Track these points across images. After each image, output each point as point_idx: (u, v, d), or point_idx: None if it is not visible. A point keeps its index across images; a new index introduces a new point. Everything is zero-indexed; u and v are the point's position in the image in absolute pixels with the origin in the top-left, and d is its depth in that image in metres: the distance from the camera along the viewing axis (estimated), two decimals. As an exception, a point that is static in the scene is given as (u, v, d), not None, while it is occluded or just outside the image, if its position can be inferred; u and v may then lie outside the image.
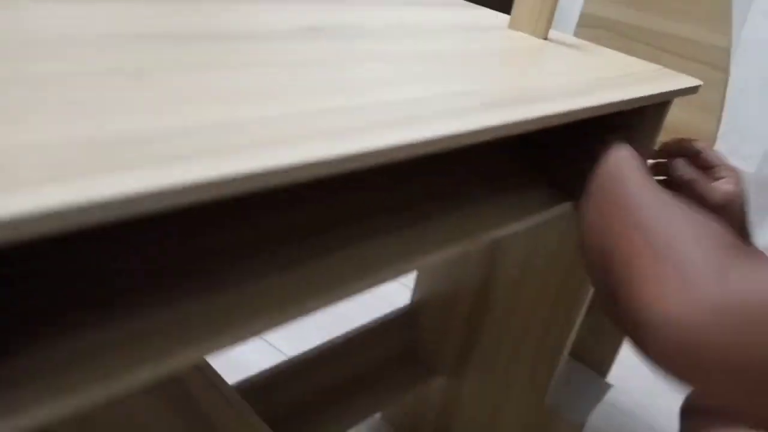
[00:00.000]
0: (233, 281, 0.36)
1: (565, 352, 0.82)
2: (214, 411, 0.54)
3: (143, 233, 0.38)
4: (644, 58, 0.70)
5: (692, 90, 0.64)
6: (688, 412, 0.73)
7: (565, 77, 0.57)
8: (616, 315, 0.41)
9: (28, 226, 0.21)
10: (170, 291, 0.34)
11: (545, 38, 0.68)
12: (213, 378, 0.57)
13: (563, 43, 0.69)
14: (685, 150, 0.63)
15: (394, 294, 1.39)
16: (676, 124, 0.90)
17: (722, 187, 0.59)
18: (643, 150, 0.62)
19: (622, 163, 0.48)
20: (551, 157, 0.59)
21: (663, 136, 0.66)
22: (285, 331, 1.23)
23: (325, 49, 0.46)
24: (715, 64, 0.82)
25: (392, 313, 0.94)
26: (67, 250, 0.35)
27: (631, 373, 1.30)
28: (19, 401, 0.26)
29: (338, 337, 0.85)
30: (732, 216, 0.58)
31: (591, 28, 0.95)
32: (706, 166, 0.62)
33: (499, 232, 0.48)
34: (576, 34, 0.99)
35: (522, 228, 0.50)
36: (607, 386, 1.07)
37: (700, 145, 0.63)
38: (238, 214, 0.42)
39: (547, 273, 0.79)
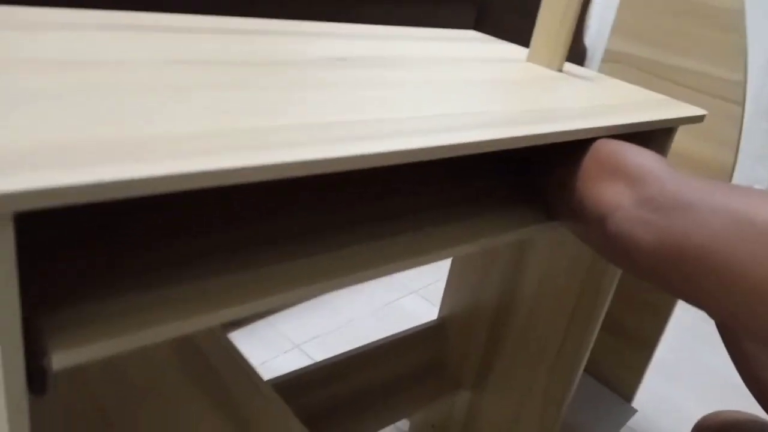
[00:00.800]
0: (263, 262, 0.43)
1: (580, 368, 0.86)
2: (217, 360, 0.61)
3: (200, 222, 0.46)
4: (661, 92, 0.75)
5: (697, 119, 0.69)
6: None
7: (574, 103, 0.63)
8: (582, 225, 0.54)
9: (135, 188, 0.28)
10: (214, 266, 0.41)
11: (560, 70, 0.75)
12: (220, 335, 0.64)
13: (576, 75, 0.75)
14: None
15: (421, 311, 1.44)
16: (693, 157, 0.94)
17: None
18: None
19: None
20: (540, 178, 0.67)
21: (686, 170, 0.70)
22: (319, 342, 1.29)
23: (351, 75, 0.54)
24: (729, 97, 0.87)
25: (420, 326, 0.99)
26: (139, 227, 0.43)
27: (655, 399, 1.31)
28: (77, 339, 0.33)
29: (367, 345, 0.91)
30: None
31: (613, 63, 1.01)
32: None
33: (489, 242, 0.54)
34: (600, 69, 1.04)
35: (508, 240, 0.57)
36: (632, 411, 1.09)
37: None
38: (273, 211, 0.50)
39: (563, 291, 0.83)
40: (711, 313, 0.44)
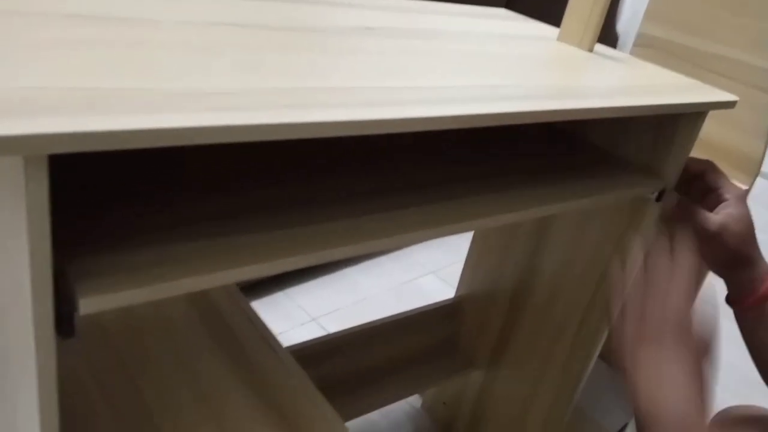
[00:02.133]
0: (294, 223, 0.44)
1: (595, 353, 0.85)
2: (235, 323, 0.62)
3: (225, 182, 0.47)
4: (692, 77, 0.74)
5: (728, 105, 0.68)
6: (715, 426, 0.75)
7: (602, 82, 0.62)
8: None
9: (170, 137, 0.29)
10: (237, 225, 0.42)
11: (590, 50, 0.74)
12: (241, 302, 0.65)
13: (606, 56, 0.74)
14: (689, 171, 0.67)
15: (438, 291, 1.45)
16: (721, 146, 0.92)
17: (718, 216, 0.62)
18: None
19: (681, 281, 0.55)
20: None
21: (715, 160, 0.69)
22: (335, 316, 1.30)
23: (378, 44, 0.54)
24: (761, 85, 0.85)
25: (435, 304, 1.00)
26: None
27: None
28: (103, 287, 0.34)
29: (382, 320, 0.92)
30: (730, 239, 0.61)
31: (645, 47, 0.99)
32: (708, 188, 0.66)
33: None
34: (632, 53, 1.03)
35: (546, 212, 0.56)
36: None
37: (705, 165, 0.67)
38: (302, 176, 0.50)
39: (583, 275, 0.83)
40: None
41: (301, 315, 1.30)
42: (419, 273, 1.55)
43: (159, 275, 0.36)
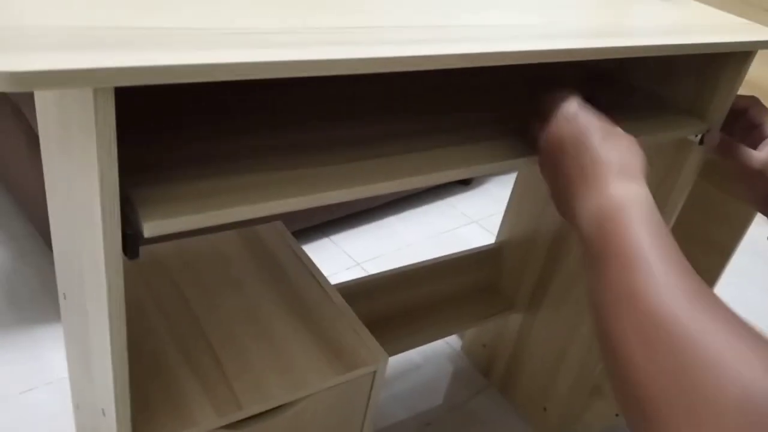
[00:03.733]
0: (321, 162, 0.46)
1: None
2: (285, 260, 0.66)
3: (274, 122, 0.49)
4: (749, 17, 0.72)
5: (778, 44, 0.66)
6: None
7: (647, 23, 0.62)
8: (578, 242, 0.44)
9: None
10: (284, 162, 0.45)
11: (638, -9, 0.73)
12: (290, 240, 0.68)
13: (654, -4, 0.73)
14: (733, 108, 0.66)
15: (480, 240, 1.46)
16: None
17: (761, 153, 0.61)
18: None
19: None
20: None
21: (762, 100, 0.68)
22: (379, 261, 1.34)
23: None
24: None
25: (476, 249, 1.02)
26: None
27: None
28: (165, 212, 0.37)
29: (425, 262, 0.95)
30: None
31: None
32: (752, 125, 0.65)
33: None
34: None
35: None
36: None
37: (749, 101, 0.65)
38: (333, 119, 0.53)
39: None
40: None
41: (346, 260, 1.34)
42: (461, 222, 1.57)
43: (215, 204, 0.39)
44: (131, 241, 0.37)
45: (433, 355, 1.15)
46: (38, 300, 1.08)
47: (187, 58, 0.32)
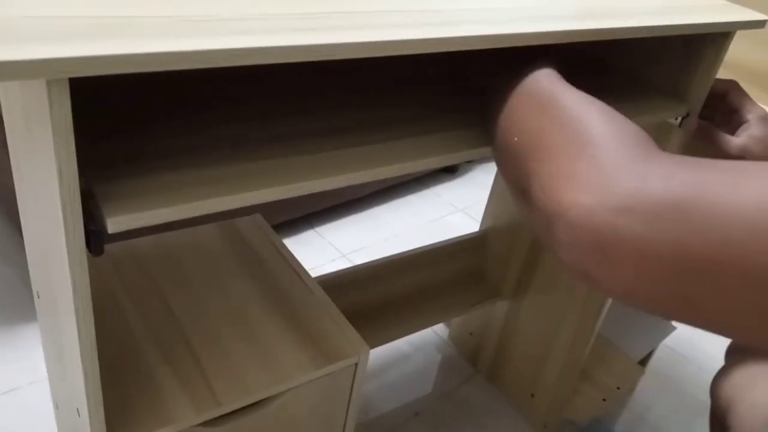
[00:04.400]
0: (307, 150, 0.45)
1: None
2: (264, 253, 0.65)
3: (241, 113, 0.48)
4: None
5: (757, 24, 0.66)
6: (730, 351, 0.76)
7: (626, 4, 0.61)
8: (530, 214, 0.40)
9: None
10: (250, 152, 0.44)
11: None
12: (269, 233, 0.67)
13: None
14: (712, 91, 0.65)
15: (467, 228, 1.46)
16: (752, 67, 0.89)
17: (739, 138, 0.61)
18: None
19: (543, 75, 0.45)
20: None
21: (745, 82, 0.68)
22: (365, 252, 1.33)
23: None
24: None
25: (461, 237, 1.01)
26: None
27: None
28: (129, 207, 0.36)
29: (409, 251, 0.94)
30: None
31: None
32: (731, 109, 0.64)
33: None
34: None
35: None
36: (670, 328, 1.10)
37: (728, 85, 0.65)
38: (307, 109, 0.52)
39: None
40: (714, 328, 0.34)
41: (332, 251, 1.33)
42: (447, 211, 1.56)
43: (183, 197, 0.38)
44: (95, 237, 0.36)
45: (421, 344, 1.15)
46: (20, 299, 1.07)
47: (143, 47, 0.31)
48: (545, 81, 0.43)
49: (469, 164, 1.78)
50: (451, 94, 0.60)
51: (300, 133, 0.48)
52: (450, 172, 1.72)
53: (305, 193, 0.43)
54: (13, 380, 0.93)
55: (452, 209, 1.57)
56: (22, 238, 1.13)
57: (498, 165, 0.47)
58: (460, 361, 1.13)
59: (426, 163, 0.48)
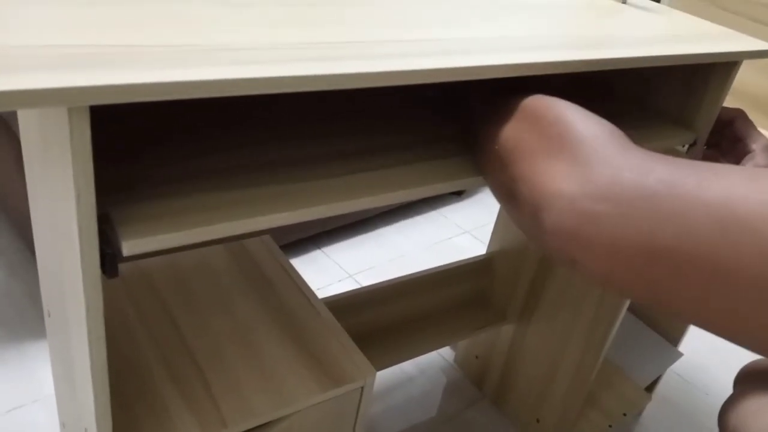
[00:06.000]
0: (312, 177, 0.46)
1: (624, 309, 0.86)
2: (273, 275, 0.65)
3: (252, 139, 0.49)
4: (732, 27, 0.72)
5: (763, 54, 0.66)
6: (740, 379, 0.76)
7: (633, 31, 0.62)
8: (518, 214, 0.43)
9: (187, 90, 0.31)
10: (261, 179, 0.45)
11: (624, 1, 0.73)
12: (277, 254, 0.68)
13: (640, 6, 0.73)
14: (719, 119, 0.66)
15: (473, 250, 1.46)
16: (758, 95, 0.90)
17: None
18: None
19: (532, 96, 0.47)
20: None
21: (752, 110, 0.68)
22: (372, 273, 1.33)
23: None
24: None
25: (468, 260, 1.01)
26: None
27: (702, 346, 1.31)
28: (144, 232, 0.37)
29: (416, 274, 0.94)
30: None
31: (684, -3, 0.97)
32: (736, 138, 0.65)
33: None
34: (670, 4, 1.00)
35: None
36: (678, 354, 1.09)
37: (734, 113, 0.66)
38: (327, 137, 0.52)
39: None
40: (675, 313, 0.37)
41: (338, 272, 1.33)
42: (454, 233, 1.56)
43: (196, 221, 0.39)
44: (110, 260, 0.36)
45: (427, 366, 1.15)
46: (27, 316, 1.08)
47: (160, 76, 0.31)
48: (530, 96, 0.46)
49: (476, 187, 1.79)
50: (449, 121, 0.60)
51: (310, 158, 0.48)
52: (457, 194, 1.73)
53: (316, 217, 0.44)
54: (17, 398, 0.94)
55: (459, 231, 1.58)
56: (33, 255, 1.14)
57: (484, 175, 0.49)
58: (466, 385, 1.12)
59: (435, 189, 0.49)
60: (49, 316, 0.58)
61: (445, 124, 0.59)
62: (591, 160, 0.38)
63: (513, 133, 0.44)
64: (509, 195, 0.44)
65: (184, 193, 0.41)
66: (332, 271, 1.33)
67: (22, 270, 1.16)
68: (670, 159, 0.37)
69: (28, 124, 0.47)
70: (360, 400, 0.58)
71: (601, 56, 0.51)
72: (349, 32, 0.45)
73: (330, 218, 1.34)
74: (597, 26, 0.61)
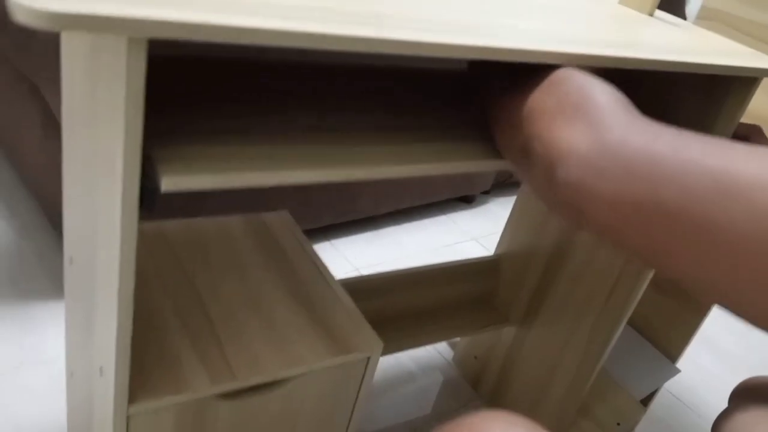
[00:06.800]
0: (342, 143, 0.48)
1: (624, 320, 0.87)
2: (288, 247, 0.67)
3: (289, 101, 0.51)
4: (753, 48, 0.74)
5: (784, 74, 0.68)
6: (736, 394, 0.77)
7: (657, 40, 0.64)
8: (530, 171, 0.47)
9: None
10: (291, 137, 0.46)
11: (650, 14, 0.75)
12: (294, 229, 0.69)
13: (666, 20, 0.75)
14: (736, 134, 0.68)
15: (474, 253, 1.47)
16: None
17: None
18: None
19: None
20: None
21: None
22: (377, 268, 1.35)
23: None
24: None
25: (475, 259, 1.03)
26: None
27: (698, 366, 1.31)
28: (181, 170, 0.39)
29: (423, 267, 0.96)
30: None
31: (708, 20, 0.99)
32: None
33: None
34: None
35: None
36: (675, 370, 1.10)
37: (750, 130, 0.67)
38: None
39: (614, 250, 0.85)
40: (668, 272, 0.40)
41: (345, 264, 1.35)
42: (462, 238, 1.58)
43: (229, 167, 0.41)
44: (149, 194, 0.38)
45: (425, 363, 1.16)
46: (35, 276, 1.09)
47: (218, 19, 0.33)
48: (552, 69, 0.49)
49: (486, 196, 1.80)
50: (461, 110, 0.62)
51: (342, 127, 0.50)
52: (466, 201, 1.74)
53: (337, 179, 0.46)
54: (22, 357, 0.95)
55: (466, 237, 1.59)
56: (46, 216, 1.16)
57: (500, 138, 0.52)
58: (462, 384, 1.13)
59: (455, 167, 0.51)
60: (71, 263, 0.60)
61: (459, 113, 0.61)
62: (603, 124, 0.42)
63: (533, 98, 0.47)
64: (524, 154, 0.47)
65: (222, 143, 0.43)
66: (339, 263, 1.35)
67: (33, 230, 1.18)
68: (676, 129, 0.41)
69: (73, 67, 0.49)
70: (365, 371, 0.60)
71: (631, 55, 0.53)
72: (394, 5, 0.47)
73: (342, 212, 1.35)
74: (626, 31, 0.63)
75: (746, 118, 0.68)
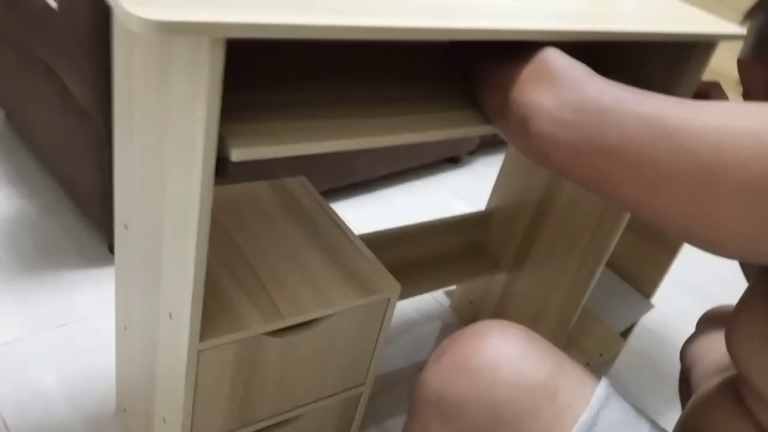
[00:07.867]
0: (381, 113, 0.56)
1: (604, 259, 0.98)
2: (309, 207, 0.76)
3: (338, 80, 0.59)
4: (720, 16, 0.83)
5: (739, 37, 0.78)
6: (701, 321, 0.88)
7: (625, 10, 0.73)
8: (507, 124, 0.57)
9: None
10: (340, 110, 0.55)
11: (621, -14, 0.84)
12: (312, 191, 0.79)
13: (634, -9, 0.83)
14: (698, 91, 0.77)
15: (463, 210, 1.58)
16: (735, 76, 1.01)
17: None
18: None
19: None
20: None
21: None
22: (373, 227, 1.45)
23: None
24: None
25: (467, 214, 1.13)
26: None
27: (671, 301, 1.44)
28: (248, 143, 0.48)
29: (420, 223, 1.06)
30: None
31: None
32: None
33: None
34: None
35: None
36: (649, 306, 1.22)
37: (710, 86, 0.77)
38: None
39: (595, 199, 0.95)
40: (618, 202, 0.50)
41: (345, 226, 1.45)
42: (451, 197, 1.68)
43: (284, 140, 0.49)
44: (222, 163, 0.47)
45: (425, 312, 1.27)
46: (65, 247, 1.17)
47: (280, 18, 0.42)
48: (523, 46, 0.59)
49: (472, 156, 1.90)
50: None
51: (366, 100, 0.59)
52: (454, 162, 1.84)
53: (371, 146, 0.54)
54: (61, 318, 1.04)
55: (455, 195, 1.69)
56: (67, 194, 1.23)
57: (482, 102, 0.62)
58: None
59: (460, 132, 0.60)
60: (126, 228, 0.68)
61: (449, 81, 0.70)
62: (564, 84, 0.53)
63: (509, 69, 0.58)
64: (502, 113, 0.58)
65: (277, 119, 0.52)
66: (339, 224, 1.44)
67: (56, 207, 1.26)
68: (623, 85, 0.51)
69: (128, 57, 0.57)
70: (386, 310, 0.70)
71: (599, 29, 0.62)
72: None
73: (339, 176, 1.44)
74: (598, 4, 0.72)
75: (709, 75, 0.77)
